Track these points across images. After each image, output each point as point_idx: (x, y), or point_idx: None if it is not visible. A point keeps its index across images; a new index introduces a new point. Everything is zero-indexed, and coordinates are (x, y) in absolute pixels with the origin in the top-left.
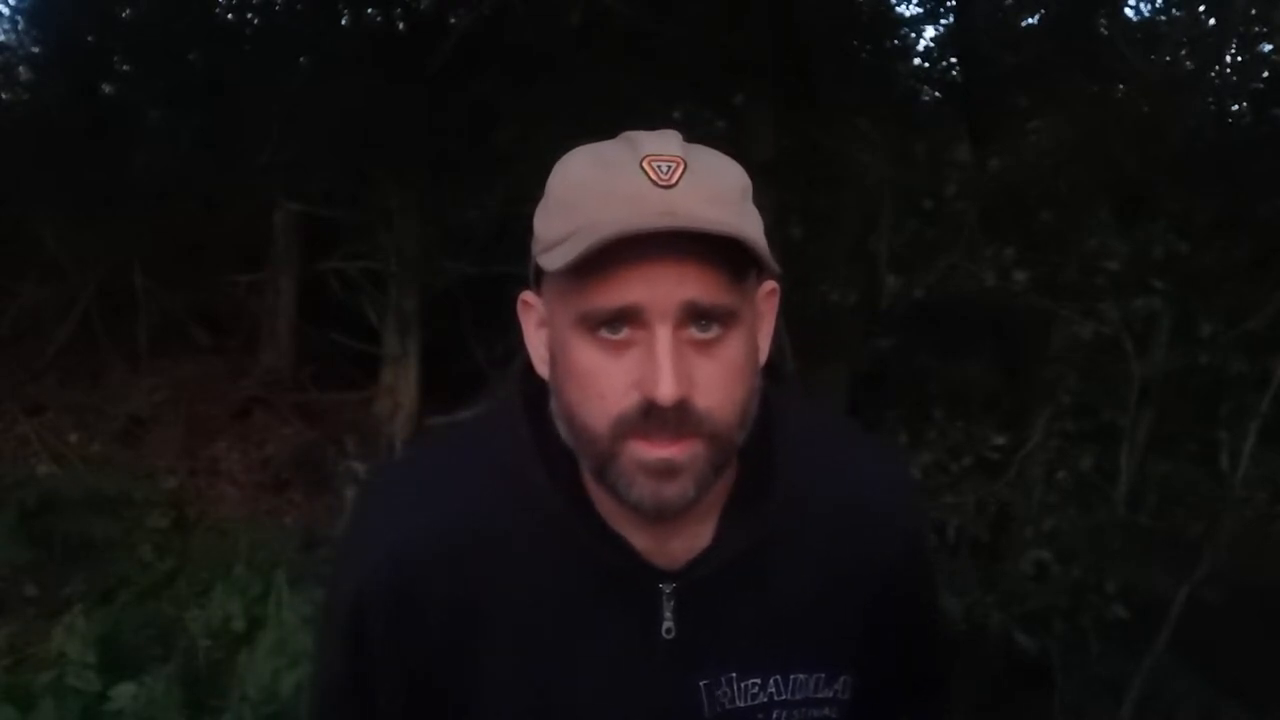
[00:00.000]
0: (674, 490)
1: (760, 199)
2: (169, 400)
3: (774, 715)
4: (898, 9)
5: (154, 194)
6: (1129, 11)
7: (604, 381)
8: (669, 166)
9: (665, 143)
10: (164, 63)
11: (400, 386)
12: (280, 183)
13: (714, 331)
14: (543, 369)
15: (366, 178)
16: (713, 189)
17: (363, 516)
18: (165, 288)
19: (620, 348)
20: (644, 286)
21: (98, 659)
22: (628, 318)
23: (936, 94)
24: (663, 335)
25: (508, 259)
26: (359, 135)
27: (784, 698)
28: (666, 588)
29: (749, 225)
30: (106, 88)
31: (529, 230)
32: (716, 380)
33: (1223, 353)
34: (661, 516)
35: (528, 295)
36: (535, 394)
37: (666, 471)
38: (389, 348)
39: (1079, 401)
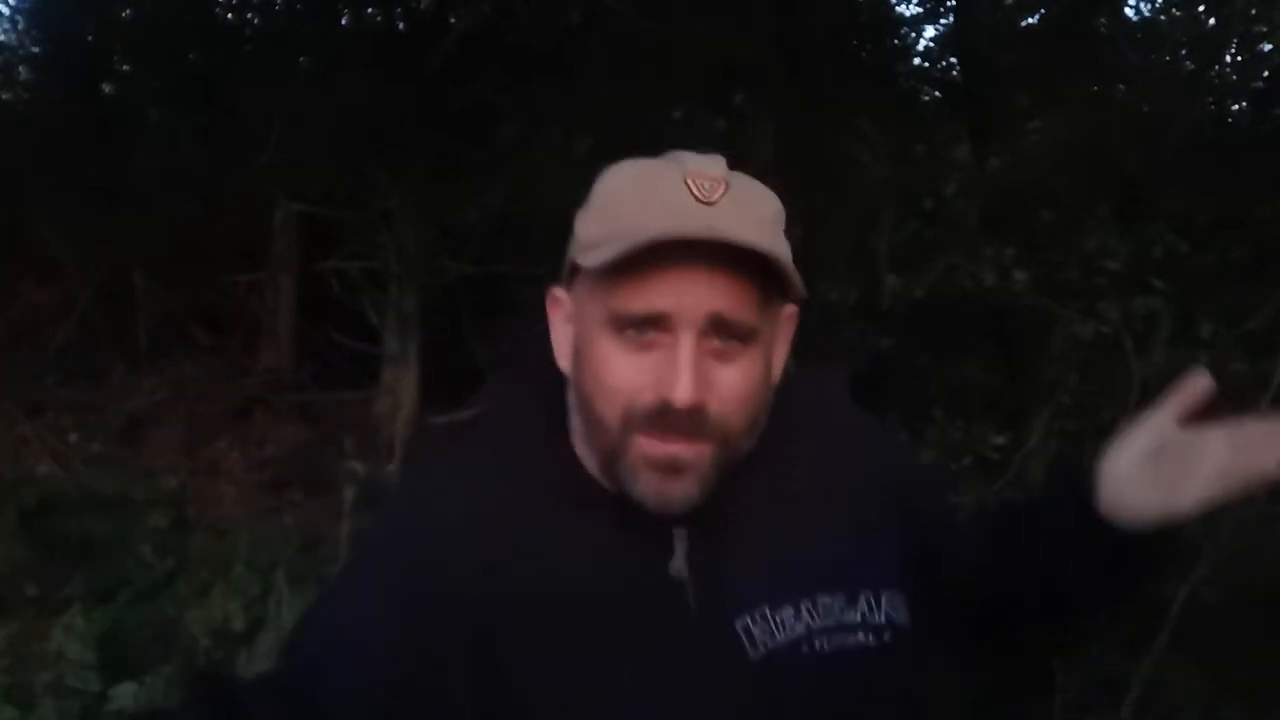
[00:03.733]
0: (678, 489)
1: None
2: (169, 400)
3: (815, 644)
4: (898, 9)
5: (154, 194)
6: (1129, 11)
7: (623, 377)
8: (711, 185)
9: (709, 163)
10: (164, 63)
11: (400, 386)
12: (280, 183)
13: (734, 345)
14: (564, 362)
15: (366, 178)
16: (752, 212)
17: (392, 517)
18: (165, 288)
19: (644, 348)
20: (675, 295)
21: (98, 659)
22: (656, 323)
23: (936, 94)
24: (686, 342)
25: (508, 259)
26: (359, 135)
27: (819, 624)
28: (678, 531)
29: (781, 250)
30: (106, 88)
31: (529, 229)
32: (732, 390)
33: (1223, 353)
34: (664, 514)
35: (558, 291)
36: (548, 384)
37: (672, 468)
38: (389, 348)
39: (1079, 401)
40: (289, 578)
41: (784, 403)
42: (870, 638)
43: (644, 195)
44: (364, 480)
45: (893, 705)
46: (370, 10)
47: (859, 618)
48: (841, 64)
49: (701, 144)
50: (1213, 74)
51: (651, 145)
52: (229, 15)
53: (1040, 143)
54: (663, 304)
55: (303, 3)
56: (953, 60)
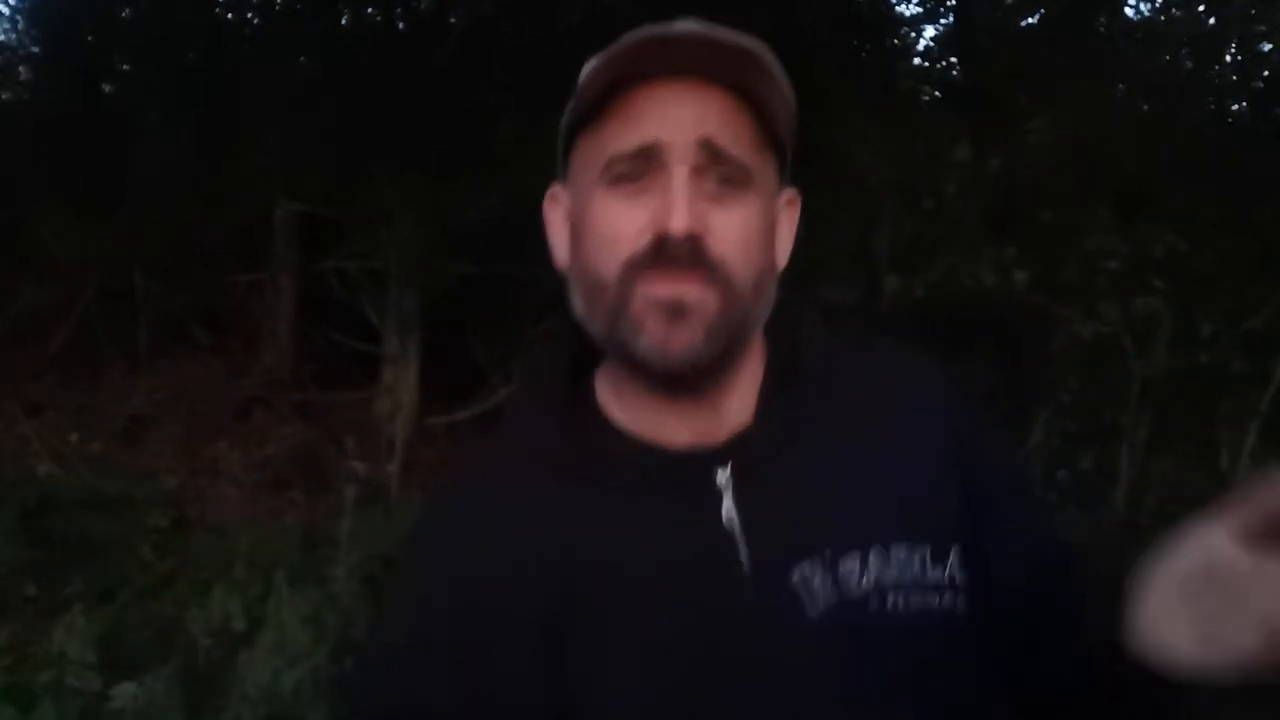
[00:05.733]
0: (683, 337)
1: None
2: (169, 400)
3: (888, 602)
4: (898, 9)
5: (154, 194)
6: (1129, 11)
7: (619, 226)
8: (697, 23)
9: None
10: (164, 63)
11: (400, 386)
12: (280, 183)
13: (731, 190)
14: (562, 256)
15: (366, 178)
16: (742, 36)
17: (420, 524)
18: (165, 288)
19: (638, 194)
20: (662, 120)
21: (98, 659)
22: (647, 157)
23: (936, 94)
24: (679, 173)
25: (508, 259)
26: (359, 135)
27: (892, 575)
28: (720, 471)
29: (771, 61)
30: (106, 88)
31: (529, 229)
32: (730, 231)
33: (1223, 353)
34: (671, 372)
35: (555, 189)
36: (562, 356)
37: (675, 310)
38: (389, 348)
39: (1079, 401)
40: (289, 578)
41: (834, 336)
42: (958, 601)
43: (619, 42)
44: (364, 480)
45: (976, 680)
46: (370, 10)
47: (945, 577)
48: (841, 64)
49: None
50: (1213, 74)
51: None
52: (229, 15)
53: (1040, 143)
54: (651, 131)
55: (303, 3)
56: (953, 60)
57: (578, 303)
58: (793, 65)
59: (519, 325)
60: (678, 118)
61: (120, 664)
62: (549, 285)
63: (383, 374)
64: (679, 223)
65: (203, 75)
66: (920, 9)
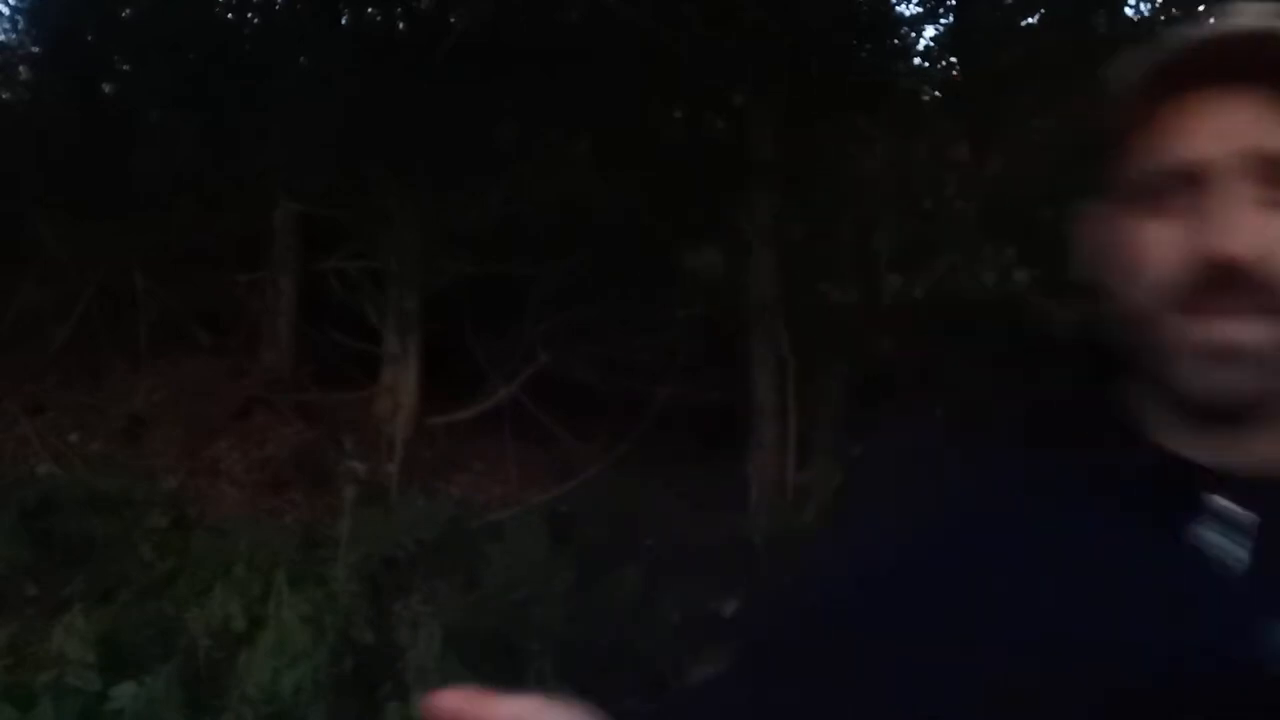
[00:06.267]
0: (1227, 378)
1: (760, 199)
2: (169, 400)
3: None
4: (898, 9)
5: (154, 194)
6: (1129, 11)
7: (1155, 250)
8: (1247, 7)
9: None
10: (164, 63)
11: (400, 386)
12: (280, 183)
13: None
14: (1089, 271)
15: (366, 178)
16: None
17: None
18: (165, 288)
19: (1178, 215)
20: (1204, 137)
21: (98, 659)
22: (1186, 179)
23: (936, 94)
24: (1225, 191)
25: (508, 259)
26: (359, 135)
27: None
28: (1246, 515)
29: None
30: (106, 88)
31: (528, 229)
32: None
33: None
34: (1213, 407)
35: (1086, 211)
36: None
37: (1221, 354)
38: (389, 347)
39: None
40: (289, 578)
41: None
42: None
43: (1156, 48)
44: (364, 480)
45: None
46: (370, 10)
47: None
48: (841, 64)
49: (701, 144)
50: None
51: (652, 145)
52: (229, 15)
53: (1040, 143)
54: (1192, 148)
55: (303, 3)
56: (953, 60)
57: (1110, 317)
58: (793, 65)
59: (519, 325)
60: (1222, 129)
61: (120, 664)
62: (549, 285)
63: (383, 374)
64: (1225, 247)
65: (202, 75)
66: (920, 9)
